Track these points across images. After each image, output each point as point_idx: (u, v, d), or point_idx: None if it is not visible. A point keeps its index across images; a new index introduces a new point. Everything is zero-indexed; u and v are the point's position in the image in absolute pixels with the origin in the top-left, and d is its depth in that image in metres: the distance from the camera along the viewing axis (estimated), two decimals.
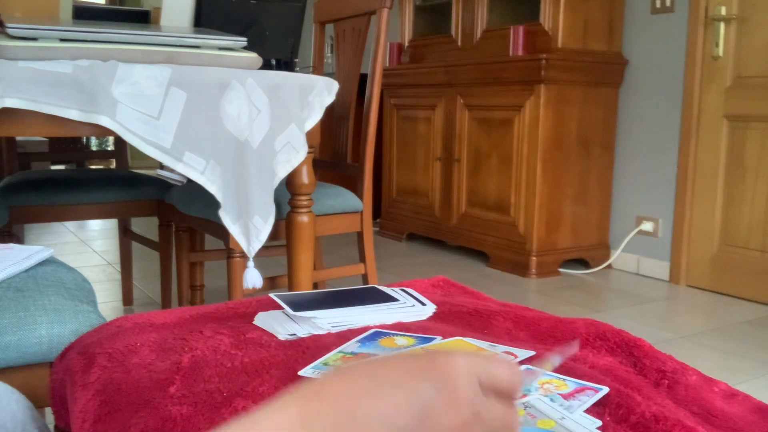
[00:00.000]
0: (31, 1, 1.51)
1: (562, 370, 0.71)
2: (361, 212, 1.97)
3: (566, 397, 0.63)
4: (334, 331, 0.85)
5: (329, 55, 4.83)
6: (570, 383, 0.66)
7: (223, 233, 1.65)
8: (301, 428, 0.39)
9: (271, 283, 1.83)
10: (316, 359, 0.75)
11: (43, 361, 0.96)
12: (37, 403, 0.91)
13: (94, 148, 7.12)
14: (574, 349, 0.63)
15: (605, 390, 0.64)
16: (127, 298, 2.63)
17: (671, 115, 3.14)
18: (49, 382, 0.89)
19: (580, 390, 0.64)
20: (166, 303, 2.39)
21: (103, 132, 1.30)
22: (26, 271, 1.10)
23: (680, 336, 2.40)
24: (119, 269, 2.69)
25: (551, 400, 0.62)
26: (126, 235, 2.58)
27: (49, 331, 0.96)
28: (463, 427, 0.40)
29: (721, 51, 2.92)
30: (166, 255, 2.35)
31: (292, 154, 1.51)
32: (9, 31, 1.19)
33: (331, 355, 0.75)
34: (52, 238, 3.96)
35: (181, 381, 0.71)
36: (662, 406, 0.63)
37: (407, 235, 4.09)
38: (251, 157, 1.43)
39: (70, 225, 4.38)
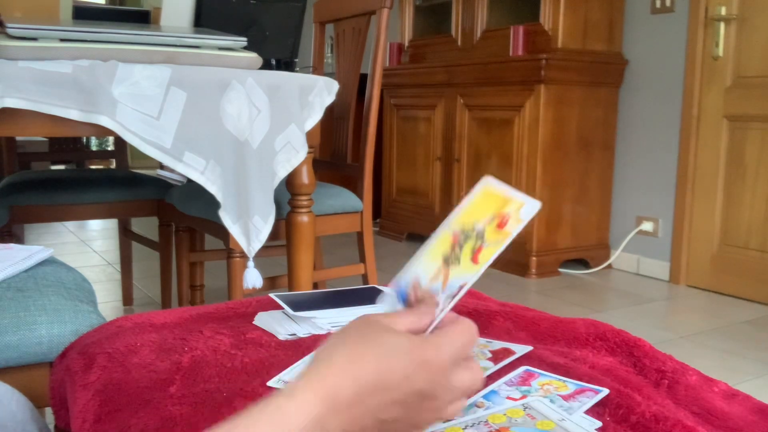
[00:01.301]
0: (31, 1, 1.51)
1: (562, 370, 0.71)
2: (361, 212, 1.97)
3: (566, 398, 0.63)
4: (334, 331, 0.85)
5: (329, 55, 4.83)
6: (570, 384, 0.66)
7: (223, 233, 1.65)
8: (317, 421, 0.45)
9: (271, 283, 1.83)
10: None
11: (43, 361, 0.96)
12: (37, 403, 0.91)
13: (94, 148, 7.12)
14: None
15: (605, 392, 0.64)
16: (127, 298, 2.63)
17: (671, 115, 3.14)
18: (49, 382, 0.89)
19: (580, 391, 0.64)
20: (166, 303, 2.39)
21: (103, 132, 1.30)
22: (26, 271, 1.10)
23: (680, 336, 2.40)
24: (119, 269, 2.69)
25: (551, 401, 0.62)
26: (126, 235, 2.58)
27: (49, 331, 0.96)
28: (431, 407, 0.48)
29: (721, 51, 2.92)
30: (166, 255, 2.35)
31: (292, 154, 1.51)
32: (9, 31, 1.19)
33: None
34: (52, 238, 3.96)
35: (181, 381, 0.71)
36: (662, 406, 0.63)
37: (407, 235, 4.09)
38: (251, 157, 1.43)
39: (70, 225, 4.38)
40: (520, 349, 0.76)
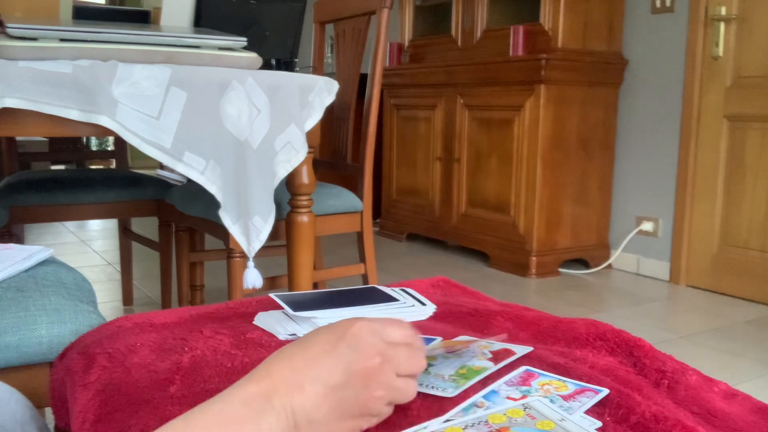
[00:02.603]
0: (31, 1, 1.51)
1: (562, 370, 0.71)
2: (361, 212, 1.97)
3: (566, 398, 0.63)
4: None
5: (329, 55, 4.83)
6: (570, 384, 0.66)
7: (223, 233, 1.65)
8: (262, 401, 0.50)
9: (271, 283, 1.83)
10: None
11: (43, 361, 0.96)
12: (37, 403, 0.91)
13: (94, 148, 7.13)
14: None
15: (605, 392, 0.64)
16: (127, 298, 2.63)
17: (671, 115, 3.14)
18: (49, 382, 0.89)
19: (580, 391, 0.64)
20: (166, 303, 2.39)
21: (103, 132, 1.30)
22: (26, 271, 1.10)
23: (680, 336, 2.40)
24: (119, 269, 2.69)
25: (551, 401, 0.62)
26: (126, 235, 2.58)
27: (49, 331, 0.96)
28: (378, 369, 0.53)
29: (721, 51, 2.92)
30: (166, 255, 2.35)
31: (292, 154, 1.51)
32: (9, 31, 1.19)
33: None
34: (52, 238, 3.96)
35: (181, 381, 0.71)
36: (662, 406, 0.63)
37: (407, 235, 4.09)
38: (251, 157, 1.43)
39: (70, 225, 4.38)
40: (521, 350, 0.76)
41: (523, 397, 0.62)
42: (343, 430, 0.53)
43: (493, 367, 0.69)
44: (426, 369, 0.67)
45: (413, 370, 0.57)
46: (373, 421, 0.55)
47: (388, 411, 0.56)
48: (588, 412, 0.61)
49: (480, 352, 0.73)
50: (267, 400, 0.50)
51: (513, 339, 0.83)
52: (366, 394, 0.53)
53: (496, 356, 0.73)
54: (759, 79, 2.80)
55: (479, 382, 0.66)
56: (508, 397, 0.62)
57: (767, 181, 2.79)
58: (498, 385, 0.65)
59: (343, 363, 0.52)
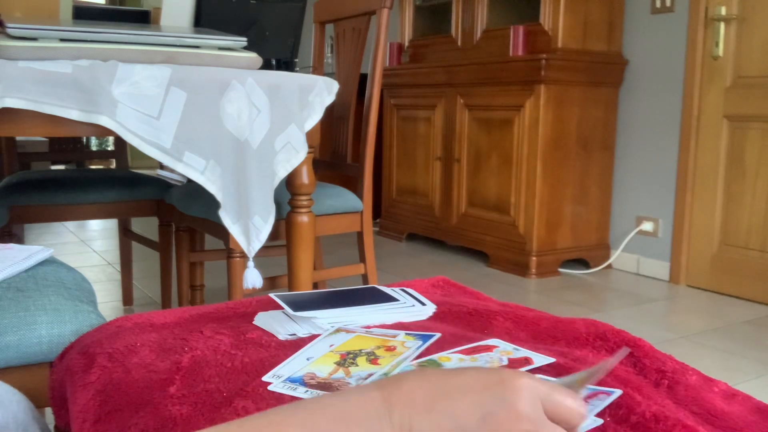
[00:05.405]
0: (31, 1, 1.51)
1: (563, 371, 0.71)
2: (361, 212, 1.97)
3: None
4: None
5: (329, 55, 4.83)
6: None
7: (223, 233, 1.65)
8: (382, 410, 0.43)
9: (271, 283, 1.83)
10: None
11: (43, 361, 0.96)
12: (37, 403, 0.91)
13: (94, 148, 7.13)
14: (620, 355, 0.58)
15: (617, 393, 0.64)
16: (127, 298, 2.63)
17: (671, 115, 3.14)
18: (49, 382, 0.89)
19: (593, 395, 0.64)
20: (166, 303, 2.39)
21: (103, 132, 1.30)
22: (26, 271, 1.10)
23: (680, 336, 2.40)
24: (119, 269, 2.69)
25: None
26: (126, 235, 2.58)
27: (49, 331, 0.96)
28: None
29: (721, 51, 2.92)
30: (166, 255, 2.35)
31: (292, 154, 1.51)
32: (9, 31, 1.19)
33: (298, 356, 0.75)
34: (52, 238, 3.96)
35: (181, 381, 0.71)
36: (662, 406, 0.63)
37: (407, 235, 4.09)
38: (251, 157, 1.43)
39: (70, 225, 4.38)
40: (540, 359, 0.74)
41: None
42: None
43: None
44: None
45: None
46: None
47: None
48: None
49: (498, 358, 0.73)
50: (387, 409, 0.43)
51: (513, 339, 0.83)
52: None
53: (512, 364, 0.73)
54: (759, 79, 2.80)
55: None
56: None
57: (767, 181, 2.79)
58: None
59: (485, 409, 0.43)
